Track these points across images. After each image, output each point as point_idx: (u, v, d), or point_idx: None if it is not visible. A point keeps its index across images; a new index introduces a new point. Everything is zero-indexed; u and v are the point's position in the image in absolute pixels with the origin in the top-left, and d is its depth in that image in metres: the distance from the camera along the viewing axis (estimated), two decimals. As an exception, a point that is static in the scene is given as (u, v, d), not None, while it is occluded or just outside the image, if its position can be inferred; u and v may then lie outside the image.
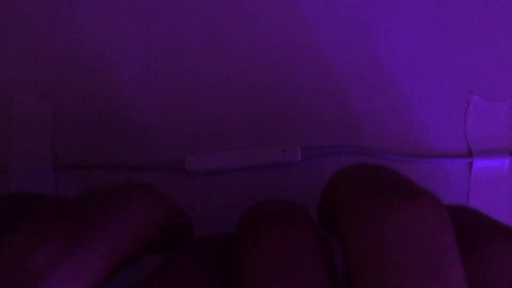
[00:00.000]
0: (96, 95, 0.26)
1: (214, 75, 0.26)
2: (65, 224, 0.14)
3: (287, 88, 0.26)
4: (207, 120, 0.26)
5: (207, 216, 0.26)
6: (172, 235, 0.18)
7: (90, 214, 0.14)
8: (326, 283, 0.13)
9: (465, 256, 0.14)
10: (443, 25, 0.26)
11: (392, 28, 0.26)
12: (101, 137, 0.26)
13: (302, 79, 0.26)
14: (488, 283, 0.14)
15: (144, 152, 0.26)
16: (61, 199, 0.16)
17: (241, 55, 0.26)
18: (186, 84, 0.26)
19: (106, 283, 0.15)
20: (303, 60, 0.26)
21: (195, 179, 0.26)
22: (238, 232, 0.15)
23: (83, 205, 0.15)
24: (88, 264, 0.14)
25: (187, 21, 0.27)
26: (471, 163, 0.26)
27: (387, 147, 0.26)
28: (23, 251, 0.13)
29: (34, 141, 0.26)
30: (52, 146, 0.26)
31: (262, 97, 0.26)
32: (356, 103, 0.26)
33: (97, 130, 0.26)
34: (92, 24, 0.27)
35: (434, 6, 0.26)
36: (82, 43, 0.26)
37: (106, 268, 0.14)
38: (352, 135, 0.26)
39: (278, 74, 0.26)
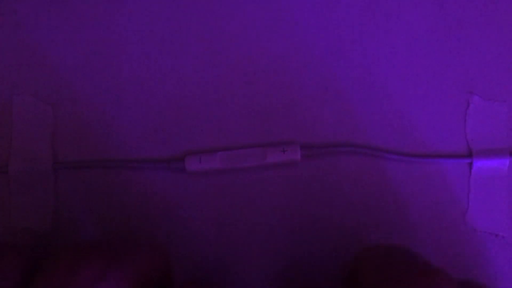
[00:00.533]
0: (96, 95, 0.26)
1: (213, 76, 0.26)
2: (100, 253, 0.17)
3: (287, 88, 0.26)
4: (206, 120, 0.26)
5: (206, 216, 0.26)
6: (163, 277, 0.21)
7: (117, 250, 0.18)
8: None
9: None
10: (443, 26, 0.26)
11: (392, 28, 0.26)
12: (101, 137, 0.26)
13: (302, 79, 0.26)
14: None
15: (144, 152, 0.26)
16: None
17: (240, 55, 0.26)
18: (185, 85, 0.26)
19: None
20: (303, 60, 0.26)
21: (195, 179, 0.26)
22: None
23: (109, 243, 0.18)
24: (121, 285, 0.17)
25: (187, 21, 0.27)
26: (471, 163, 0.26)
27: (387, 147, 0.26)
28: (72, 269, 0.16)
29: (34, 141, 0.26)
30: (52, 146, 0.26)
31: (262, 97, 0.26)
32: (355, 103, 0.26)
33: (96, 130, 0.26)
34: (91, 25, 0.27)
35: (434, 6, 0.26)
36: (82, 44, 0.27)
37: None
38: (351, 135, 0.26)
39: (277, 74, 0.26)
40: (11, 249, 0.18)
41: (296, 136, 0.26)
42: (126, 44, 0.26)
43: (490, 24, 0.26)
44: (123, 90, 0.26)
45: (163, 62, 0.26)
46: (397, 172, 0.26)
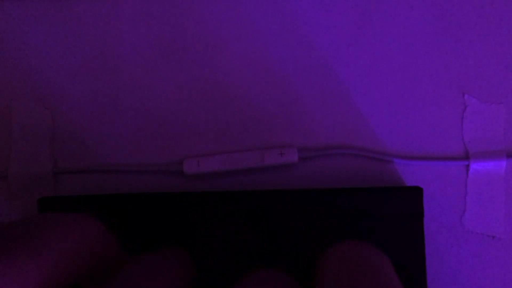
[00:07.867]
0: (95, 100, 0.26)
1: (212, 80, 0.26)
2: None
3: (284, 92, 0.26)
4: (205, 124, 0.26)
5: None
6: (105, 261, 0.18)
7: (20, 236, 0.15)
8: None
9: None
10: (439, 28, 0.26)
11: (389, 31, 0.26)
12: (100, 141, 0.26)
13: (299, 82, 0.26)
14: None
15: (142, 156, 0.26)
16: None
17: (238, 59, 0.26)
18: (184, 89, 0.26)
19: None
20: (300, 65, 0.26)
21: (193, 182, 0.26)
22: None
23: (12, 228, 0.15)
24: (19, 280, 0.14)
25: (183, 27, 0.27)
26: (468, 165, 0.26)
27: (384, 149, 0.26)
28: None
29: (34, 146, 0.26)
30: (52, 151, 0.26)
31: (260, 101, 0.26)
32: (352, 106, 0.26)
33: (96, 135, 0.26)
34: (90, 31, 0.27)
35: (431, 9, 0.26)
36: (80, 49, 0.27)
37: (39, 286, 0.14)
38: (348, 137, 0.26)
39: (275, 79, 0.26)
40: None
41: (293, 139, 0.26)
42: (124, 50, 0.27)
43: (487, 26, 0.26)
44: (121, 95, 0.26)
45: (161, 67, 0.26)
46: (394, 174, 0.26)
